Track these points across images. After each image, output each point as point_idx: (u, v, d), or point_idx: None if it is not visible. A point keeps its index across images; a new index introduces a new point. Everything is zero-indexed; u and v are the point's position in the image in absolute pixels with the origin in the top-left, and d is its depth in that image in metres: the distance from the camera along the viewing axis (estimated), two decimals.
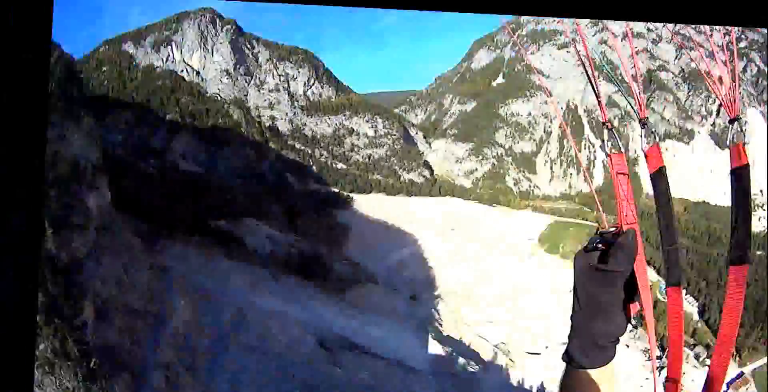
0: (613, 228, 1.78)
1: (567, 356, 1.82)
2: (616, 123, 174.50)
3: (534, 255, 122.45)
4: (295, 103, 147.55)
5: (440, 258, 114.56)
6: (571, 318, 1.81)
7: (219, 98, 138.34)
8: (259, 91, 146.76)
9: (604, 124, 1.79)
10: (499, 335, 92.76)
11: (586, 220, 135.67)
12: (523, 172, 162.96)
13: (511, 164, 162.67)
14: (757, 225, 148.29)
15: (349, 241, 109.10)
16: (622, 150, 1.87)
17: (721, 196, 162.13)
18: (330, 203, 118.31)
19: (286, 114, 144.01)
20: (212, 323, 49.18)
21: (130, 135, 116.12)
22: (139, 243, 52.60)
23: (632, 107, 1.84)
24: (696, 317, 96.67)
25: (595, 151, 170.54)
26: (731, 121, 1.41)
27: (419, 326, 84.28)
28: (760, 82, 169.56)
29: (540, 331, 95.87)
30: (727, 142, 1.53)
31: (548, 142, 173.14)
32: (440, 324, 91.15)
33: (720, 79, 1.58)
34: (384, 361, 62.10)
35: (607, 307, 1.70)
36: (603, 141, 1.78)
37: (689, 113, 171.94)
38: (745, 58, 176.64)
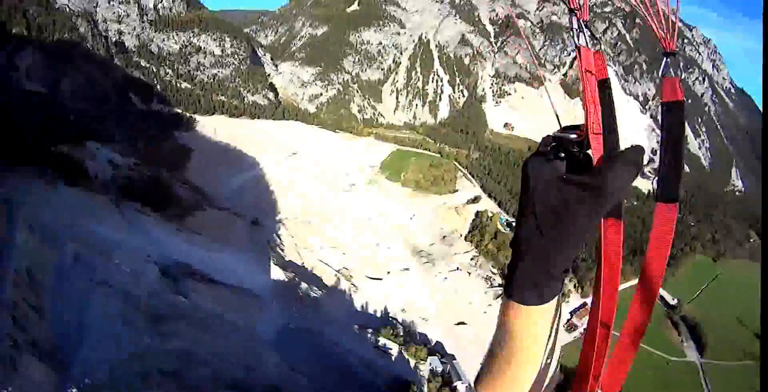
0: (574, 134, 1.51)
1: (510, 288, 1.58)
2: (466, 61, 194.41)
3: (375, 183, 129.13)
4: (145, 16, 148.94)
5: (282, 182, 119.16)
6: (519, 241, 1.52)
7: (68, 10, 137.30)
8: (109, 2, 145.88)
9: (572, 11, 1.53)
10: (341, 260, 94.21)
11: (428, 151, 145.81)
12: (369, 99, 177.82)
13: (357, 91, 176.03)
14: None
15: (191, 164, 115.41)
16: (597, 47, 1.63)
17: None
18: (172, 124, 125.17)
19: (134, 28, 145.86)
20: (55, 257, 48.00)
21: None
22: None
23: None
24: None
25: (442, 85, 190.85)
26: (666, 54, 1.33)
27: (261, 251, 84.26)
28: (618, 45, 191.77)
29: (381, 257, 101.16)
30: (660, 74, 1.42)
31: (396, 72, 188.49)
32: (282, 250, 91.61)
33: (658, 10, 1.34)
34: (228, 288, 63.67)
35: (578, 232, 1.39)
36: (573, 29, 1.54)
37: (542, 61, 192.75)
38: (607, 21, 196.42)
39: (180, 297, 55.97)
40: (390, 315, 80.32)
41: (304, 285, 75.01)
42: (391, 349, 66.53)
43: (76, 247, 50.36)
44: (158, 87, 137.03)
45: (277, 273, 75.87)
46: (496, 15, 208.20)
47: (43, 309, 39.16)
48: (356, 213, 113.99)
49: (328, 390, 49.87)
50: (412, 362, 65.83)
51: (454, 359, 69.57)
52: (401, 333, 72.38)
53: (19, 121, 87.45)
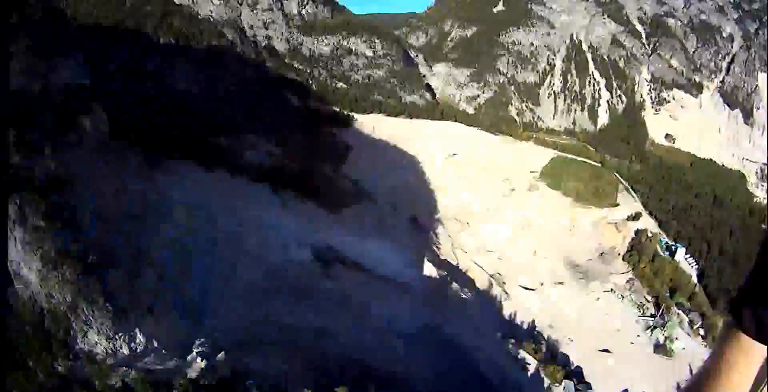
0: None
1: (742, 316, 1.33)
2: (621, 64, 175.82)
3: (535, 189, 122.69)
4: (291, 22, 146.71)
5: (442, 182, 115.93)
6: None
7: (212, 20, 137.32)
8: (252, 11, 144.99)
9: None
10: (495, 265, 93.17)
11: (589, 159, 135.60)
12: (527, 102, 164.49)
13: (514, 94, 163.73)
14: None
15: (350, 160, 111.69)
16: None
17: (729, 157, 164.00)
18: (331, 121, 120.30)
19: (282, 33, 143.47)
20: (208, 231, 53.49)
21: (126, 61, 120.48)
22: (140, 160, 56.57)
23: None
24: (695, 280, 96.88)
25: (599, 90, 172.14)
26: None
27: (416, 248, 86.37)
28: None
29: (537, 267, 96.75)
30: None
31: (551, 75, 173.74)
32: (438, 248, 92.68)
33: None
34: (378, 278, 65.49)
35: None
36: None
37: (698, 65, 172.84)
38: (757, 20, 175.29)
39: (328, 280, 59.17)
40: (536, 328, 78.02)
41: (455, 286, 75.49)
42: (529, 364, 64.69)
43: (230, 225, 56.29)
44: (314, 86, 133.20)
45: (430, 271, 76.96)
46: (644, 13, 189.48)
47: (189, 273, 44.92)
48: (515, 218, 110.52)
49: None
50: (547, 382, 63.52)
51: (590, 388, 66.97)
52: (543, 350, 70.16)
53: (175, 116, 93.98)
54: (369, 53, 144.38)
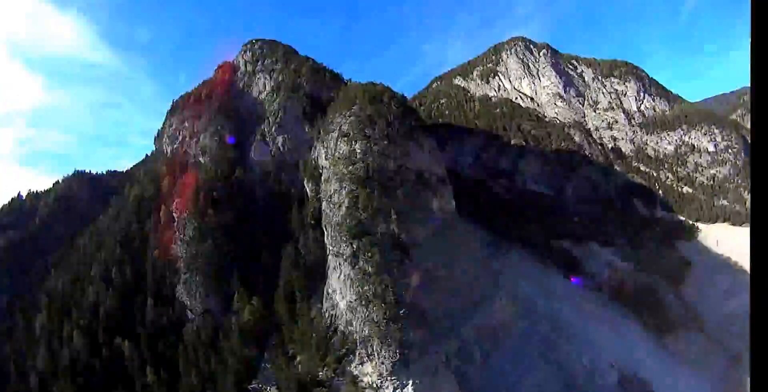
0: None
1: None
2: None
3: None
4: (632, 120, 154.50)
5: None
6: None
7: (558, 122, 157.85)
8: (594, 111, 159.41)
9: None
10: None
11: None
12: None
13: None
14: None
15: (688, 278, 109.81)
16: None
17: None
18: (675, 233, 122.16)
19: (626, 133, 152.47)
20: (524, 324, 62.19)
21: (479, 157, 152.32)
22: (480, 246, 73.97)
23: None
24: None
25: None
26: None
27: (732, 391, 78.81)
28: None
29: None
30: None
31: None
32: None
33: None
34: None
35: None
36: None
37: None
38: None
39: None
40: None
41: None
42: None
43: (546, 325, 62.44)
44: (660, 192, 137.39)
45: None
46: None
47: (487, 362, 52.16)
48: None
49: None
50: None
51: None
52: None
53: (522, 212, 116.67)
54: (711, 147, 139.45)
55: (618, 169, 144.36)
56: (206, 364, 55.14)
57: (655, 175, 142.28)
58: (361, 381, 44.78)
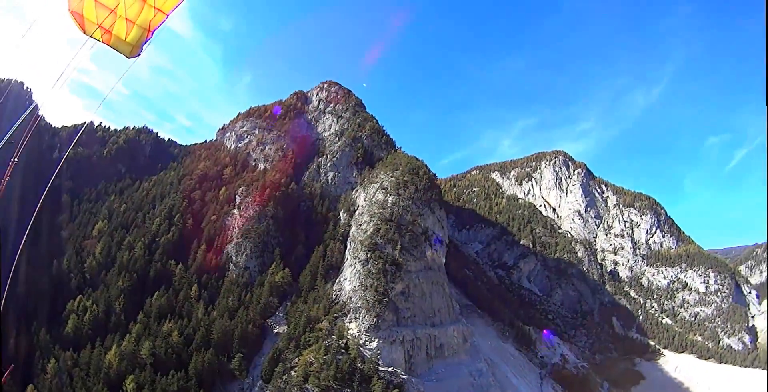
0: None
1: None
2: None
3: None
4: (637, 250, 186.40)
5: None
6: None
7: (569, 236, 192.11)
8: (606, 234, 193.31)
9: None
10: None
11: None
12: None
13: None
14: None
15: (636, 387, 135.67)
16: None
17: None
18: (638, 351, 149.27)
19: (628, 261, 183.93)
20: (467, 359, 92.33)
21: (488, 246, 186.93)
22: (454, 301, 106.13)
23: None
24: None
25: None
26: None
27: None
28: None
29: None
30: None
31: None
32: None
33: None
34: None
35: None
36: None
37: None
38: None
39: None
40: None
41: None
42: None
43: (484, 363, 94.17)
44: (641, 318, 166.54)
45: None
46: None
47: (430, 361, 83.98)
48: None
49: None
50: None
51: None
52: None
53: (508, 299, 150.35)
54: (702, 288, 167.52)
55: (609, 288, 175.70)
56: (236, 300, 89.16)
57: (642, 302, 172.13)
58: (347, 332, 79.06)
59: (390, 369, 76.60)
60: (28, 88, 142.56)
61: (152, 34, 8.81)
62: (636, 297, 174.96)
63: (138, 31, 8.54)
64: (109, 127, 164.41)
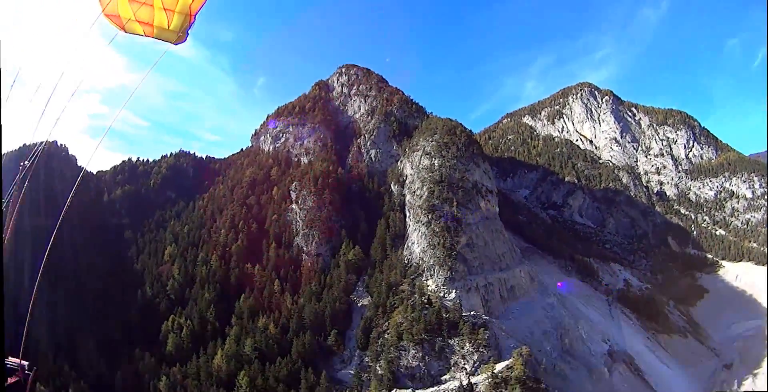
0: None
1: None
2: None
3: None
4: (679, 166, 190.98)
5: None
6: None
7: (611, 164, 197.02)
8: (646, 156, 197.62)
9: None
10: None
11: None
12: None
13: None
14: None
15: (702, 302, 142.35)
16: None
17: None
18: (697, 266, 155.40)
19: (672, 178, 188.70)
20: (537, 296, 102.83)
21: (535, 190, 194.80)
22: (514, 245, 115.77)
23: None
24: None
25: None
26: None
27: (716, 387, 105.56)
28: None
29: None
30: None
31: None
32: None
33: None
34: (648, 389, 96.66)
35: None
36: None
37: None
38: None
39: (604, 369, 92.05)
40: None
41: None
42: None
43: (553, 298, 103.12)
44: (695, 233, 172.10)
45: None
46: None
47: (504, 302, 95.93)
48: None
49: None
50: None
51: None
52: None
53: (565, 237, 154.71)
54: (749, 194, 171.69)
55: (659, 209, 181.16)
56: (318, 284, 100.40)
57: (693, 217, 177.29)
58: (426, 289, 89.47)
59: (471, 313, 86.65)
60: (62, 144, 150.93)
61: (194, 18, 9.09)
62: (686, 213, 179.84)
63: (180, 17, 8.84)
64: (147, 160, 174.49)
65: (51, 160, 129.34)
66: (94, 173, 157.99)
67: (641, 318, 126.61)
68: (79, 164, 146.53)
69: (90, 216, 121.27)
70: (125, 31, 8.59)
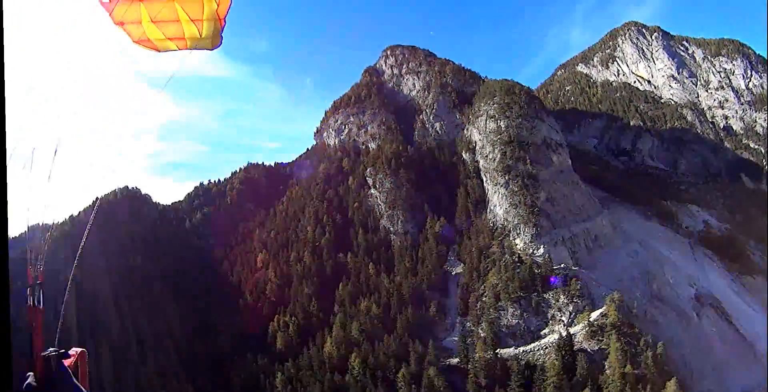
0: None
1: None
2: None
3: None
4: (742, 98, 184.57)
5: None
6: None
7: (673, 103, 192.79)
8: (706, 91, 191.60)
9: None
10: None
11: None
12: None
13: None
14: None
15: None
16: None
17: None
18: None
19: (736, 111, 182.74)
20: (620, 243, 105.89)
21: (602, 138, 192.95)
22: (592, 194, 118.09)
23: None
24: None
25: None
26: None
27: None
28: None
29: None
30: None
31: None
32: None
33: None
34: (736, 334, 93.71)
35: None
36: None
37: None
38: None
39: (693, 313, 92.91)
40: None
41: None
42: None
43: (637, 244, 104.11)
44: (766, 168, 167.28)
45: None
46: None
47: (590, 252, 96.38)
48: None
49: None
50: None
51: None
52: None
53: (641, 184, 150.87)
54: None
55: (728, 145, 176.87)
56: (411, 260, 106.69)
57: (763, 151, 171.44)
58: (515, 248, 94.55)
59: (561, 265, 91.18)
60: (134, 187, 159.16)
61: (224, 22, 8.22)
62: (756, 147, 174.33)
63: (209, 24, 8.32)
64: (219, 179, 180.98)
65: (132, 203, 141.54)
66: (170, 204, 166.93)
67: (724, 260, 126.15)
68: (154, 200, 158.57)
69: (177, 245, 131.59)
70: (159, 51, 8.26)
